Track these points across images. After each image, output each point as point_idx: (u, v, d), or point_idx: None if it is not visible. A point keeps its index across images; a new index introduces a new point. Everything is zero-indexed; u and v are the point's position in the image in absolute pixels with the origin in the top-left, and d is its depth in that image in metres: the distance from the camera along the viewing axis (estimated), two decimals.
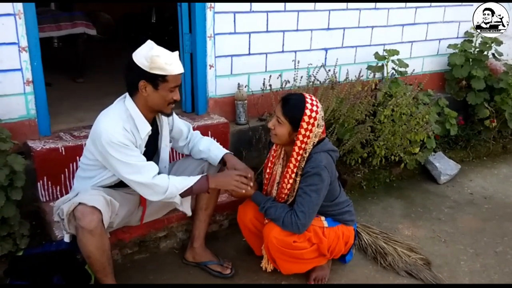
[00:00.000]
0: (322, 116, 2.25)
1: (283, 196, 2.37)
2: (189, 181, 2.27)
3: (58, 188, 2.79)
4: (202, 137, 2.62)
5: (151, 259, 2.67)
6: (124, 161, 2.14)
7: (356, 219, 2.61)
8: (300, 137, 2.21)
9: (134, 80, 2.17)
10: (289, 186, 2.32)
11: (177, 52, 2.20)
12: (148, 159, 2.25)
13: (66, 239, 2.28)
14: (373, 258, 2.74)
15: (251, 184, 2.37)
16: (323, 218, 2.43)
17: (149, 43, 2.18)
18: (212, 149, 2.54)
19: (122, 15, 7.23)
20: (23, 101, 2.78)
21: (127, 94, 2.26)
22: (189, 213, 2.56)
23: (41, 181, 2.73)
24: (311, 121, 2.19)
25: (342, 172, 3.55)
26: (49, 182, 2.75)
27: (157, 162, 2.39)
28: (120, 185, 2.32)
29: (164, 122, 2.41)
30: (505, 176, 3.98)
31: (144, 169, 2.18)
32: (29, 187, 2.61)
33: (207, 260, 2.58)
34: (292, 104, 2.22)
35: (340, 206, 2.46)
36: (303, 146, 2.23)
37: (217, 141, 3.28)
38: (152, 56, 2.10)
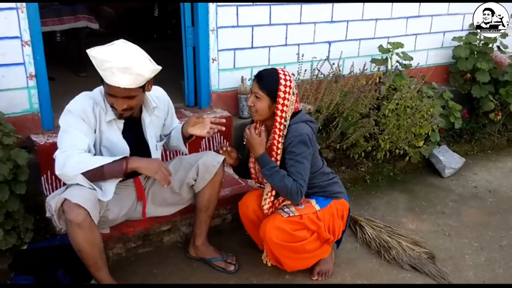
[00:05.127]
0: (295, 85, 2.36)
1: None
2: (96, 161, 2.08)
3: (61, 182, 2.78)
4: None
5: (155, 252, 2.68)
6: (62, 126, 2.13)
7: (353, 207, 2.61)
8: (280, 106, 2.29)
9: None
10: (279, 151, 2.34)
11: (129, 60, 1.97)
12: (136, 154, 2.21)
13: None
14: (377, 251, 2.74)
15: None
16: (313, 201, 2.43)
17: (120, 41, 2.06)
18: (175, 128, 2.55)
19: (124, 9, 7.21)
20: (26, 95, 2.78)
21: None
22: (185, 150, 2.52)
23: (44, 175, 2.73)
24: (287, 89, 2.29)
25: (345, 165, 3.55)
26: (53, 176, 2.75)
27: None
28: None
29: (146, 114, 2.31)
30: (510, 169, 3.96)
31: (68, 137, 2.10)
32: (33, 181, 2.61)
33: (211, 257, 2.58)
34: (266, 77, 2.31)
35: (327, 176, 2.50)
36: (283, 114, 2.31)
37: (220, 135, 3.30)
38: (89, 54, 1.99)
